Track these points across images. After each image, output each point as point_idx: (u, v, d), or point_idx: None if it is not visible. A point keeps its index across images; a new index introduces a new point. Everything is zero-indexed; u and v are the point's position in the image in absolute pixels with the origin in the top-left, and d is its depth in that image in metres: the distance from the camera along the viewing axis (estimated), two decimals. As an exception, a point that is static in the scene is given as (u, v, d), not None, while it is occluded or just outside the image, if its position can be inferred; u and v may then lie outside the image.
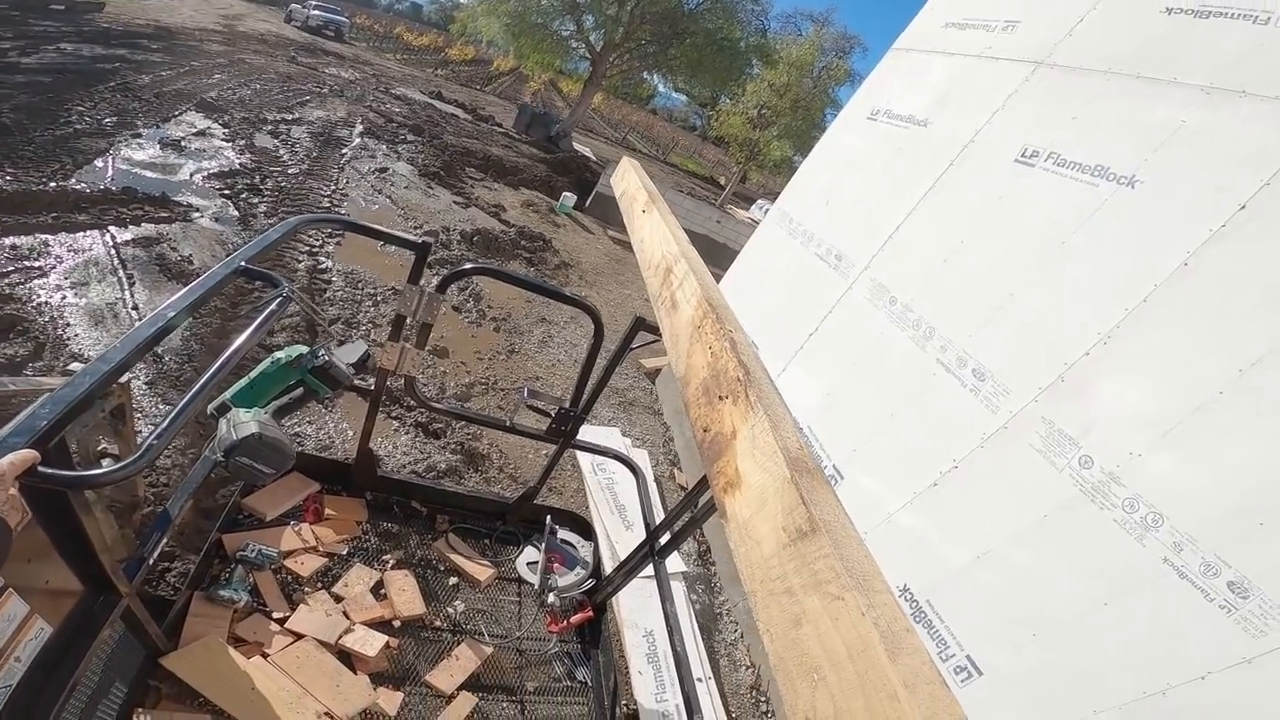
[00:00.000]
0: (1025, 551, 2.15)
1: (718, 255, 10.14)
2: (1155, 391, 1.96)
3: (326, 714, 1.43)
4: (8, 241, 4.01)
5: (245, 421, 1.20)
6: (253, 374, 1.37)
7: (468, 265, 1.75)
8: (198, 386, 1.08)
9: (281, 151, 7.85)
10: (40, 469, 0.78)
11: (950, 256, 2.89)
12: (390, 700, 1.54)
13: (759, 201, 24.55)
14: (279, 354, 1.42)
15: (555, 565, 2.07)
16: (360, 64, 20.58)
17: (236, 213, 5.62)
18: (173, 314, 1.08)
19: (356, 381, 1.60)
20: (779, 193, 5.44)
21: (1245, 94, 2.07)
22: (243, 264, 1.31)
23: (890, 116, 3.85)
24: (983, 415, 2.43)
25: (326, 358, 1.44)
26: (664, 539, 1.73)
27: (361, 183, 8.02)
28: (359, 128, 10.57)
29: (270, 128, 8.68)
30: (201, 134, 7.48)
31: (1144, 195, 2.21)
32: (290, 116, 9.68)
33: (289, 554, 1.77)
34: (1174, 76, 2.31)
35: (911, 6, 4.24)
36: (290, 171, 7.21)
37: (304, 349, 1.46)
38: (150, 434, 0.94)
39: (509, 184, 11.37)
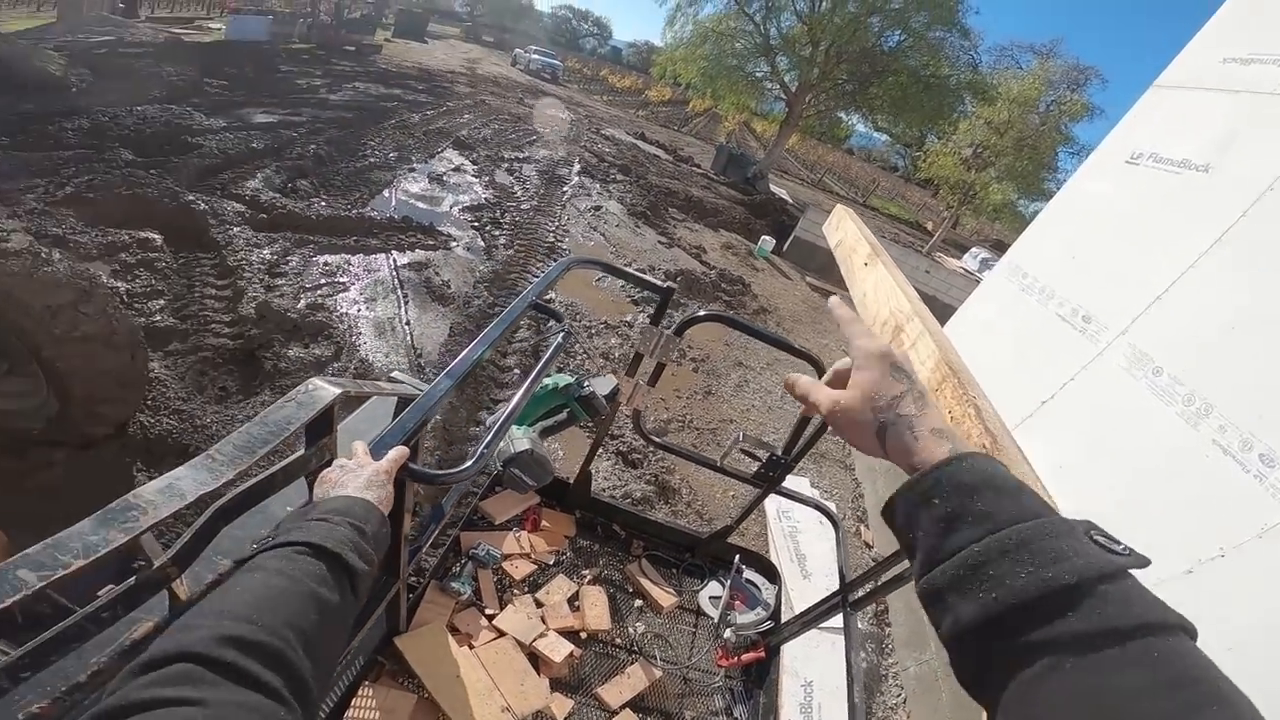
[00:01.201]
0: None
1: (928, 305, 9.54)
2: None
3: (507, 709, 1.53)
4: (322, 259, 5.12)
5: (520, 438, 1.40)
6: None
7: (703, 312, 1.84)
8: (510, 407, 1.26)
9: (516, 188, 9.15)
10: (410, 465, 0.92)
11: (1239, 322, 2.52)
12: (562, 706, 1.62)
13: (973, 250, 22.39)
14: (548, 380, 1.58)
15: (737, 603, 2.10)
16: (574, 105, 23.16)
17: (483, 243, 6.68)
18: (485, 347, 1.25)
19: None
20: (996, 240, 5.05)
21: None
22: (534, 299, 1.49)
23: (1157, 160, 3.48)
24: (1268, 504, 2.11)
25: (590, 389, 1.63)
26: (858, 594, 1.70)
27: (579, 220, 8.94)
28: (576, 167, 11.88)
29: (507, 165, 10.17)
30: (457, 169, 9.02)
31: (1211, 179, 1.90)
32: (522, 155, 11.26)
33: (507, 557, 1.96)
34: None
35: (1147, 40, 3.87)
36: (523, 207, 8.35)
37: (570, 378, 1.63)
38: (479, 445, 1.15)
39: (709, 225, 11.80)
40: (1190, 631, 0.39)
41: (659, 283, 1.80)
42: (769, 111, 23.28)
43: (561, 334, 1.55)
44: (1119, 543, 0.43)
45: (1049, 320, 3.69)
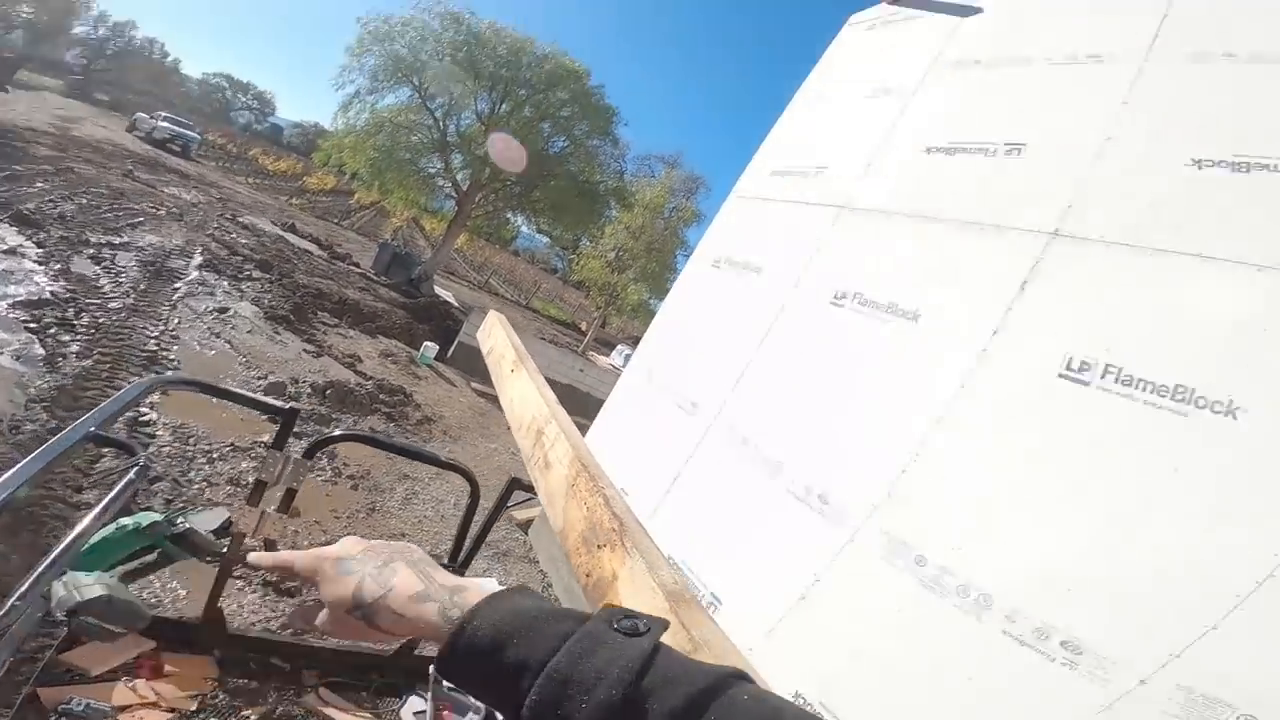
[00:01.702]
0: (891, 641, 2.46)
1: (583, 404, 10.33)
2: (958, 493, 2.46)
3: None
4: None
5: (91, 584, 1.17)
6: (93, 538, 1.30)
7: (337, 431, 1.82)
8: (50, 557, 1.06)
9: (103, 281, 7.24)
10: None
11: (789, 397, 3.35)
12: None
13: (619, 347, 25.77)
14: (126, 520, 1.38)
15: (445, 713, 2.04)
16: (206, 185, 19.91)
17: (43, 351, 5.02)
18: (15, 487, 0.99)
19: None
20: (638, 337, 5.87)
21: (984, 226, 2.85)
22: (93, 429, 1.24)
23: (730, 263, 4.32)
24: (830, 532, 2.76)
25: (186, 525, 1.43)
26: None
27: (197, 324, 7.51)
28: (198, 259, 10.05)
29: (93, 251, 8.03)
30: (11, 252, 6.72)
31: (925, 328, 2.84)
32: (118, 240, 9.03)
33: (124, 709, 1.65)
34: (936, 213, 3.07)
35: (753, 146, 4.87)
36: (112, 306, 6.62)
37: (156, 516, 1.43)
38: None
39: (366, 331, 11.12)
40: (743, 676, 0.44)
41: (279, 403, 1.73)
42: (439, 209, 23.60)
43: (134, 469, 1.33)
44: (641, 618, 0.47)
45: (669, 410, 4.23)
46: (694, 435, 3.86)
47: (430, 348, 11.17)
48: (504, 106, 18.88)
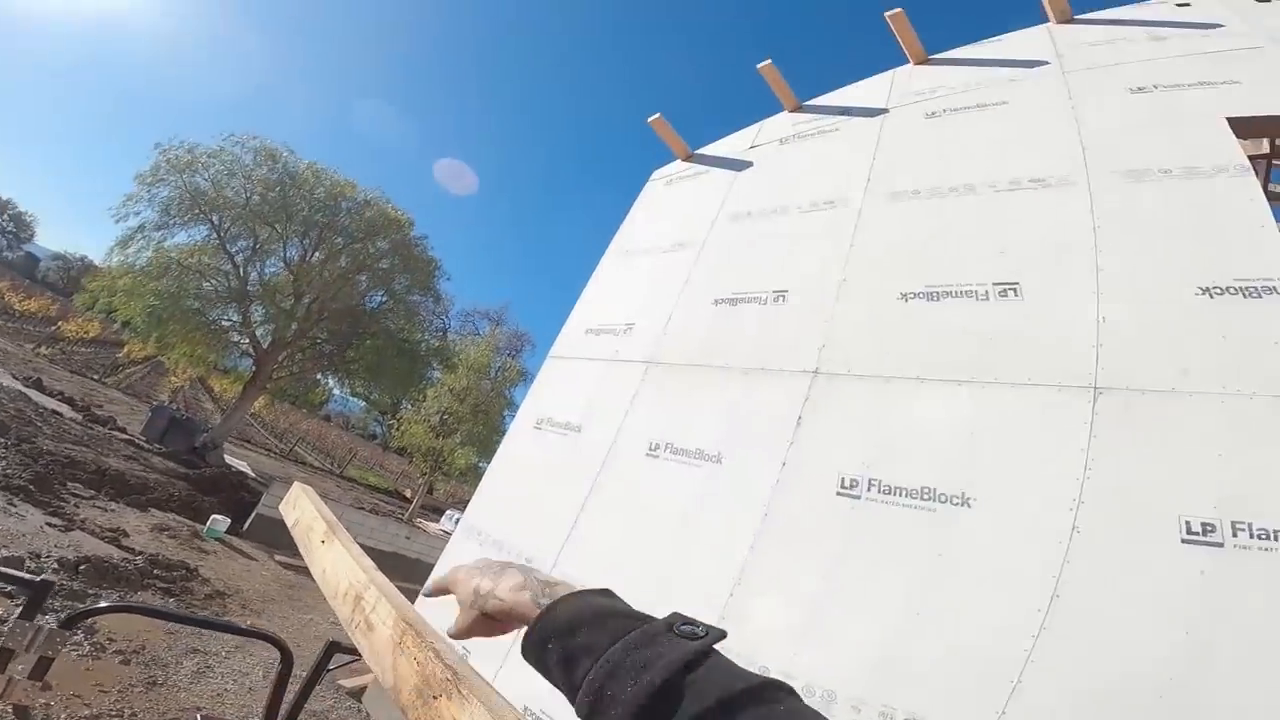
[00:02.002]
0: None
1: (410, 570, 10.29)
2: (783, 606, 2.64)
3: None
4: None
5: None
6: None
7: (103, 604, 1.77)
8: None
9: None
10: None
11: (619, 544, 3.42)
12: None
13: (449, 512, 24.15)
14: None
15: None
16: (-79, 334, 15.98)
17: None
18: None
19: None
20: (468, 501, 5.65)
21: (765, 370, 3.30)
22: None
23: (552, 424, 4.46)
24: None
25: None
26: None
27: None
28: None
29: None
30: None
31: (729, 468, 3.14)
32: None
33: None
34: (725, 363, 3.49)
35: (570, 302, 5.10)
36: None
37: None
38: None
39: (134, 504, 9.63)
40: (784, 687, 0.46)
41: (29, 577, 1.74)
42: (233, 368, 20.43)
43: None
44: (700, 625, 0.51)
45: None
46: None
47: (220, 520, 10.09)
48: (317, 254, 17.20)
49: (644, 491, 3.47)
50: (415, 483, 26.63)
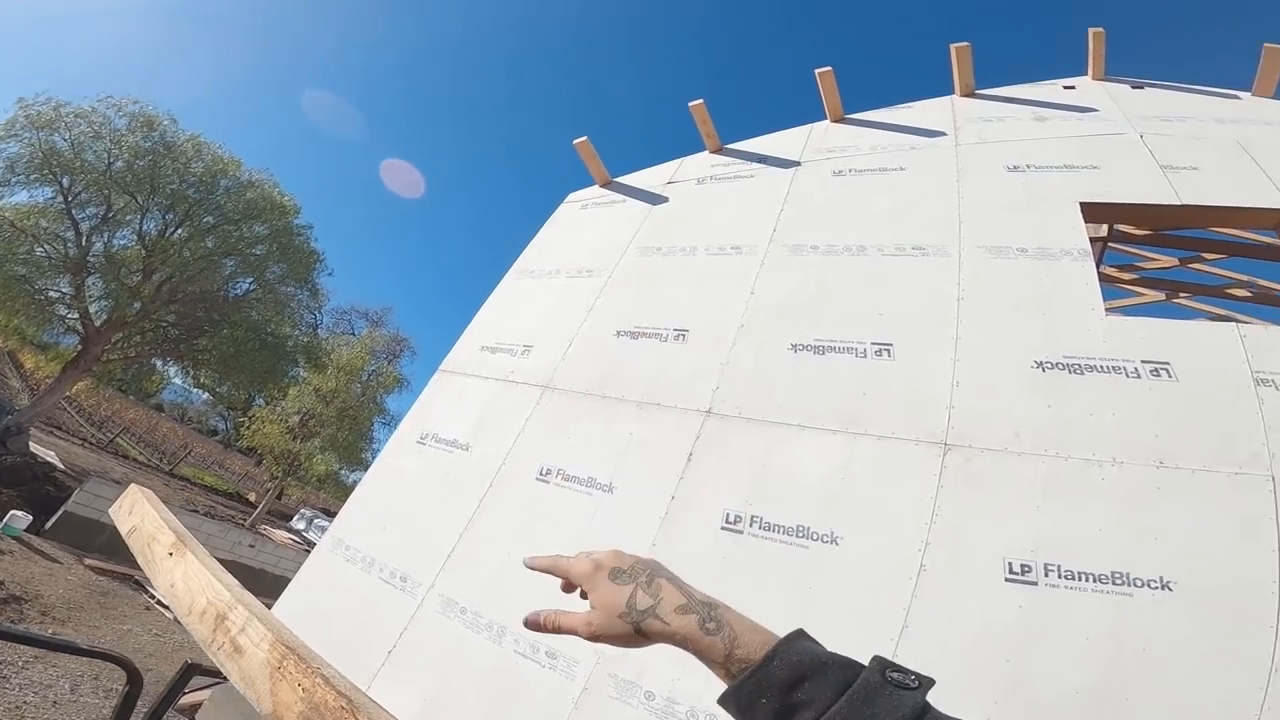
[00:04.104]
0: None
1: (253, 581, 9.69)
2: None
3: None
4: None
5: None
6: None
7: None
8: None
9: None
10: None
11: (504, 566, 3.57)
12: None
13: (302, 511, 22.79)
14: None
15: None
16: None
17: None
18: None
19: None
20: (326, 509, 5.51)
21: (661, 406, 3.63)
22: None
23: (438, 440, 4.52)
24: (563, 684, 3.02)
25: None
26: None
27: None
28: None
29: None
30: None
31: (620, 498, 3.41)
32: None
33: None
34: (622, 394, 3.77)
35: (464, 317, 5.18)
36: None
37: None
38: None
39: None
40: None
41: None
42: (53, 345, 18.72)
43: None
44: (910, 674, 0.57)
45: (375, 585, 4.14)
46: (406, 608, 3.83)
47: (19, 517, 9.51)
48: (180, 231, 16.35)
49: (534, 516, 3.64)
50: (262, 486, 24.91)
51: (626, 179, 5.93)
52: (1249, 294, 6.84)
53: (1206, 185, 4.21)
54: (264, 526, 19.48)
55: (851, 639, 2.72)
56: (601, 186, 5.89)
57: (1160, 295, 7.63)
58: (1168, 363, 3.07)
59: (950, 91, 5.97)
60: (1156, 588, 2.59)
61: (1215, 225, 4.61)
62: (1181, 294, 7.51)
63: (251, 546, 11.63)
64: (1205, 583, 2.55)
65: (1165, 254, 6.92)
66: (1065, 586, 2.67)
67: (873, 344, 3.54)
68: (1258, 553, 2.56)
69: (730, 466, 3.34)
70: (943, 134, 5.38)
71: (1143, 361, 3.10)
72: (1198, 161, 4.46)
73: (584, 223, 5.60)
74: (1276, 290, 6.36)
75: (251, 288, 17.84)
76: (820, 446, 3.26)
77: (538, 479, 3.76)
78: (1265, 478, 2.71)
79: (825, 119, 5.91)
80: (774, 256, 4.31)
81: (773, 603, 2.93)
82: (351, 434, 20.47)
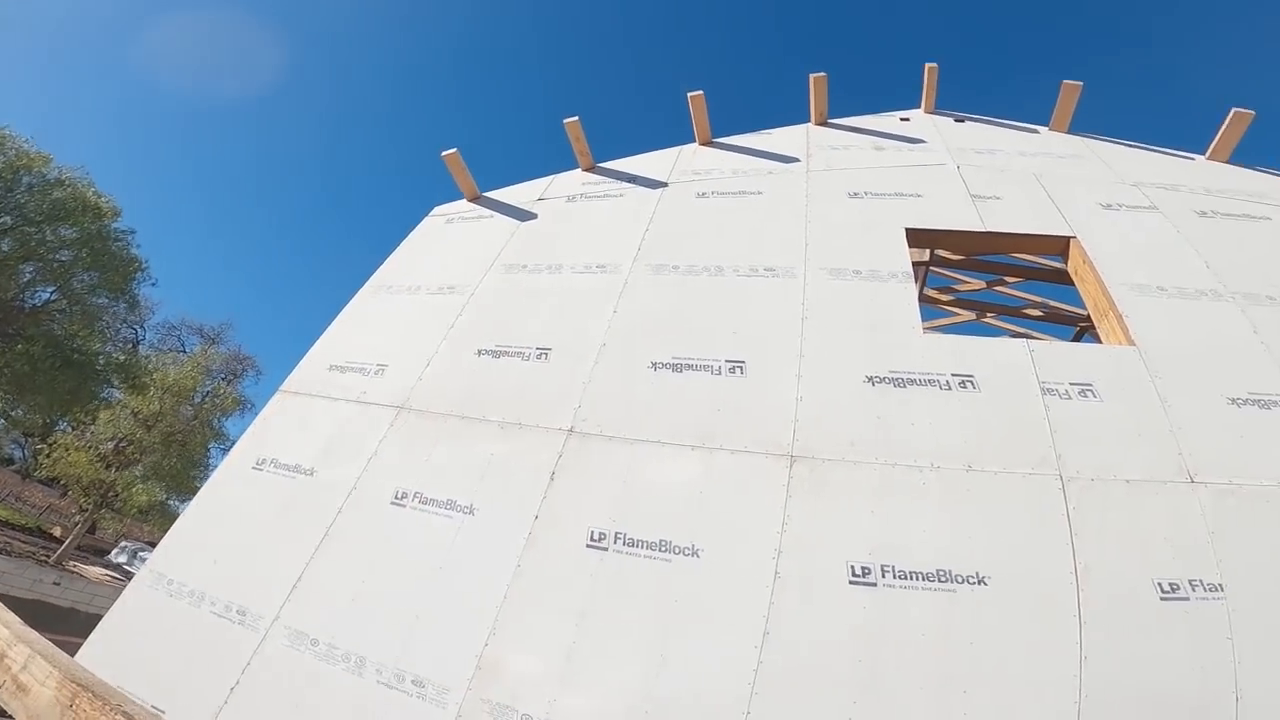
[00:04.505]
0: None
1: (60, 621, 9.06)
2: (540, 654, 2.92)
3: None
4: None
5: None
6: None
7: None
8: None
9: None
10: None
11: (358, 595, 3.40)
12: None
13: (122, 543, 20.18)
14: None
15: None
16: None
17: None
18: None
19: None
20: (150, 540, 4.96)
21: (522, 425, 3.62)
22: None
23: (278, 466, 4.22)
24: (433, 713, 2.92)
25: None
26: None
27: None
28: None
29: None
30: None
31: (483, 520, 3.35)
32: None
33: None
34: (483, 415, 3.71)
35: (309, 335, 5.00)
36: None
37: None
38: None
39: None
40: None
41: None
42: None
43: None
44: None
45: (208, 620, 3.80)
46: (248, 642, 3.57)
47: None
48: None
49: (390, 541, 3.50)
50: (70, 519, 21.66)
51: (496, 194, 5.86)
52: (1041, 314, 7.97)
53: (1007, 214, 4.87)
54: (73, 563, 17.00)
55: (718, 649, 2.87)
56: (470, 200, 5.78)
57: (972, 315, 8.73)
58: (972, 375, 3.52)
59: (808, 119, 6.48)
60: (975, 583, 2.93)
61: (1013, 251, 5.31)
62: (989, 314, 8.63)
63: (56, 584, 10.48)
64: (1015, 577, 2.92)
65: (976, 277, 7.90)
66: (900, 587, 2.95)
67: (727, 361, 3.75)
68: (1055, 546, 2.98)
69: (594, 484, 3.39)
70: (796, 160, 5.81)
71: (953, 374, 3.53)
72: (1001, 192, 5.14)
73: (449, 237, 5.46)
74: (1064, 310, 7.46)
75: (53, 297, 15.84)
76: (679, 462, 3.39)
77: (393, 503, 3.61)
78: (1054, 476, 3.17)
79: (695, 141, 6.18)
80: (638, 275, 4.44)
81: (640, 617, 3.00)
82: (181, 461, 18.24)
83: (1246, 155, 5.44)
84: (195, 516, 4.62)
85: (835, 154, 5.98)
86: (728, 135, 6.39)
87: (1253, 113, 5.21)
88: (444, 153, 5.72)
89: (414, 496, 3.57)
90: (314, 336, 4.90)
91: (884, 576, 2.99)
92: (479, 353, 4.13)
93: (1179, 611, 2.78)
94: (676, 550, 3.17)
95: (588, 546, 3.23)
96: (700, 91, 6.03)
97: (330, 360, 4.67)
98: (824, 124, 6.59)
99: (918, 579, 2.97)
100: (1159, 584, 2.85)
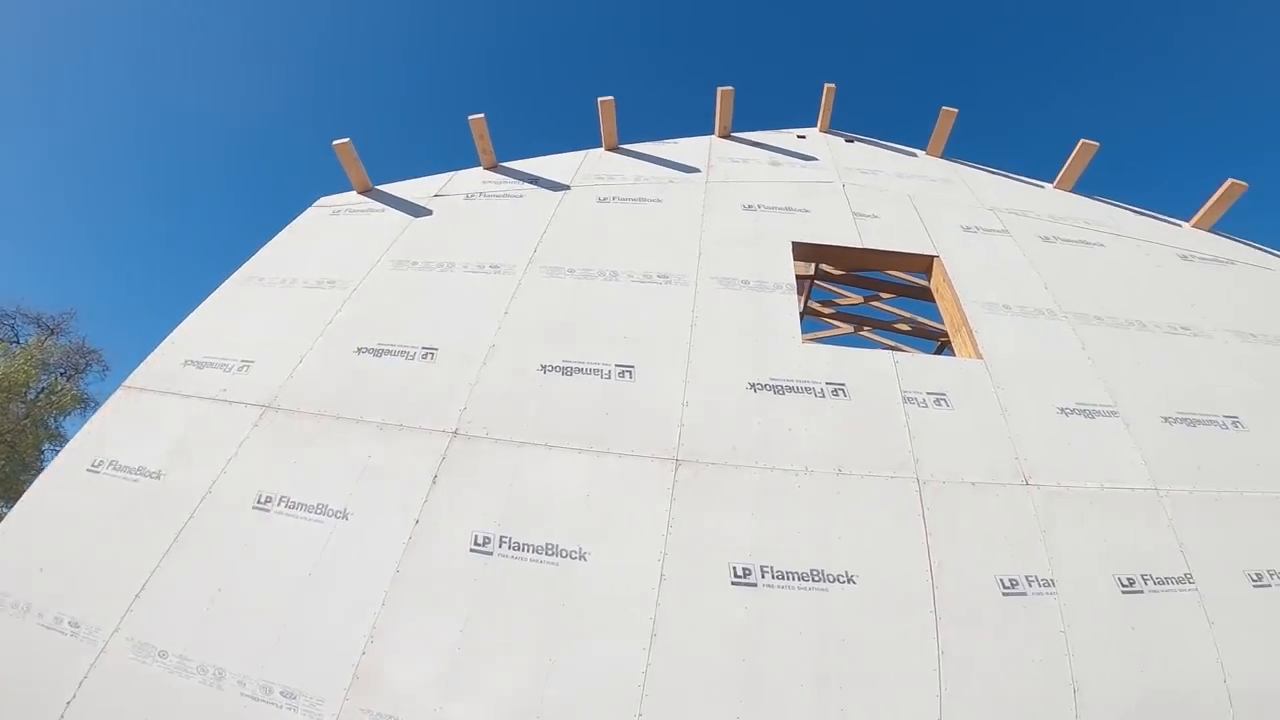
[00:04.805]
0: None
1: None
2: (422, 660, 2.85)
3: None
4: None
5: None
6: None
7: None
8: None
9: None
10: None
11: (214, 604, 3.18)
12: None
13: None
14: None
15: None
16: None
17: None
18: None
19: None
20: None
21: (404, 427, 3.50)
22: None
23: (118, 468, 3.88)
24: None
25: None
26: None
27: None
28: None
29: None
30: None
31: (357, 525, 3.22)
32: None
33: None
34: (361, 415, 3.56)
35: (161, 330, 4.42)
36: None
37: None
38: None
39: None
40: None
41: None
42: None
43: None
44: None
45: (35, 633, 3.44)
46: (83, 655, 3.29)
47: None
48: None
49: (251, 548, 3.29)
50: None
51: (390, 188, 5.63)
52: (910, 329, 8.64)
53: (882, 232, 5.23)
54: None
55: (608, 652, 2.90)
56: (360, 193, 5.52)
57: (850, 328, 9.33)
58: (844, 383, 3.77)
59: (712, 130, 6.67)
60: (844, 582, 3.11)
61: (886, 268, 5.72)
62: (865, 327, 9.26)
63: None
64: (879, 576, 3.12)
65: (856, 292, 8.45)
66: (779, 586, 3.09)
67: (617, 366, 3.81)
68: (913, 546, 3.22)
69: (479, 488, 3.35)
70: (698, 170, 5.96)
71: (827, 383, 3.77)
72: (879, 211, 5.52)
73: (334, 230, 5.18)
74: (929, 325, 8.10)
75: None
76: (568, 465, 3.41)
77: (256, 507, 3.39)
78: (912, 479, 3.44)
79: (600, 146, 6.21)
80: (532, 277, 4.42)
81: (528, 621, 2.99)
82: (11, 464, 16.23)
83: (1092, 185, 6.13)
84: (19, 520, 4.17)
85: (735, 167, 6.19)
86: (636, 142, 6.47)
87: (1097, 144, 5.88)
88: (335, 142, 5.44)
89: (280, 501, 3.38)
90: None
91: (763, 577, 3.13)
92: (359, 350, 3.95)
93: (1019, 606, 3.07)
94: (564, 554, 3.18)
95: (472, 551, 3.18)
96: (611, 97, 6.08)
97: (186, 355, 4.29)
98: (727, 137, 6.81)
99: (794, 579, 3.12)
100: (1001, 580, 3.13)
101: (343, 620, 3.02)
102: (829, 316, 9.29)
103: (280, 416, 3.71)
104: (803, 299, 8.72)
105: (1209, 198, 5.69)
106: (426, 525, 3.22)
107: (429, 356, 3.88)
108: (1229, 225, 5.87)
